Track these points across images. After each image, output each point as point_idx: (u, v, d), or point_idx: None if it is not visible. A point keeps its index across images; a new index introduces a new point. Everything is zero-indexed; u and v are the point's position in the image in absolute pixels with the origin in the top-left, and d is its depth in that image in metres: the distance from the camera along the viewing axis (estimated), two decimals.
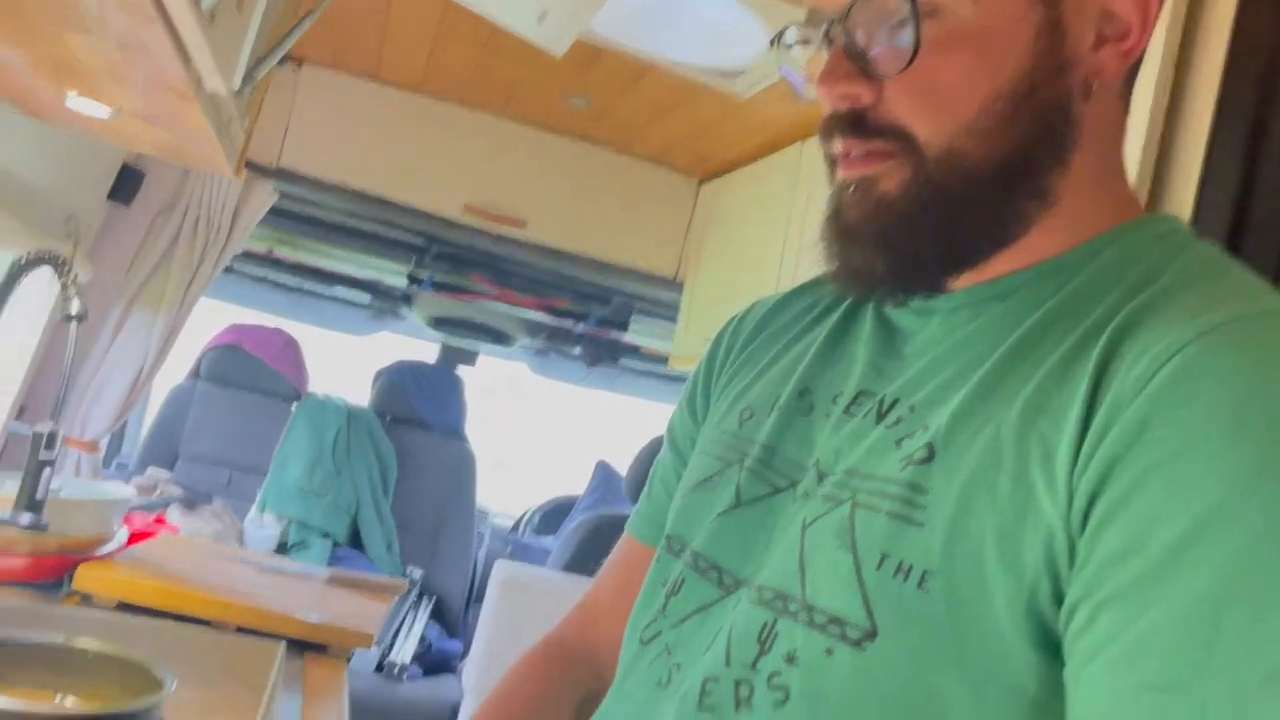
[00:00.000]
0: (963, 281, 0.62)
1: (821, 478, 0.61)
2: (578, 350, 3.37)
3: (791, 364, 0.71)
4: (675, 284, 2.43)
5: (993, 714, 0.50)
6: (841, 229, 0.63)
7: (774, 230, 1.99)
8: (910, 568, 0.52)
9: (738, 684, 0.57)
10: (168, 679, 0.85)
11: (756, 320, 0.78)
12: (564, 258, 2.38)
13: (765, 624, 0.57)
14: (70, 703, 0.85)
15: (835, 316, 0.72)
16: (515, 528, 3.76)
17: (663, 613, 0.66)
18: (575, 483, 3.77)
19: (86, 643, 0.89)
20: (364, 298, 3.23)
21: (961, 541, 0.52)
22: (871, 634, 0.53)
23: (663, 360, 3.16)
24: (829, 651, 0.54)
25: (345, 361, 3.80)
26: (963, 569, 0.51)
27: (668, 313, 2.58)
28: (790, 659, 0.55)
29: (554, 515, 3.67)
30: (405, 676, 2.75)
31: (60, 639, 0.89)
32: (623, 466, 3.59)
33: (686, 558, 0.67)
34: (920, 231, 0.60)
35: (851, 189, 0.62)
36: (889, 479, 0.56)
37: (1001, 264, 0.61)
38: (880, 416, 0.60)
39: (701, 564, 0.65)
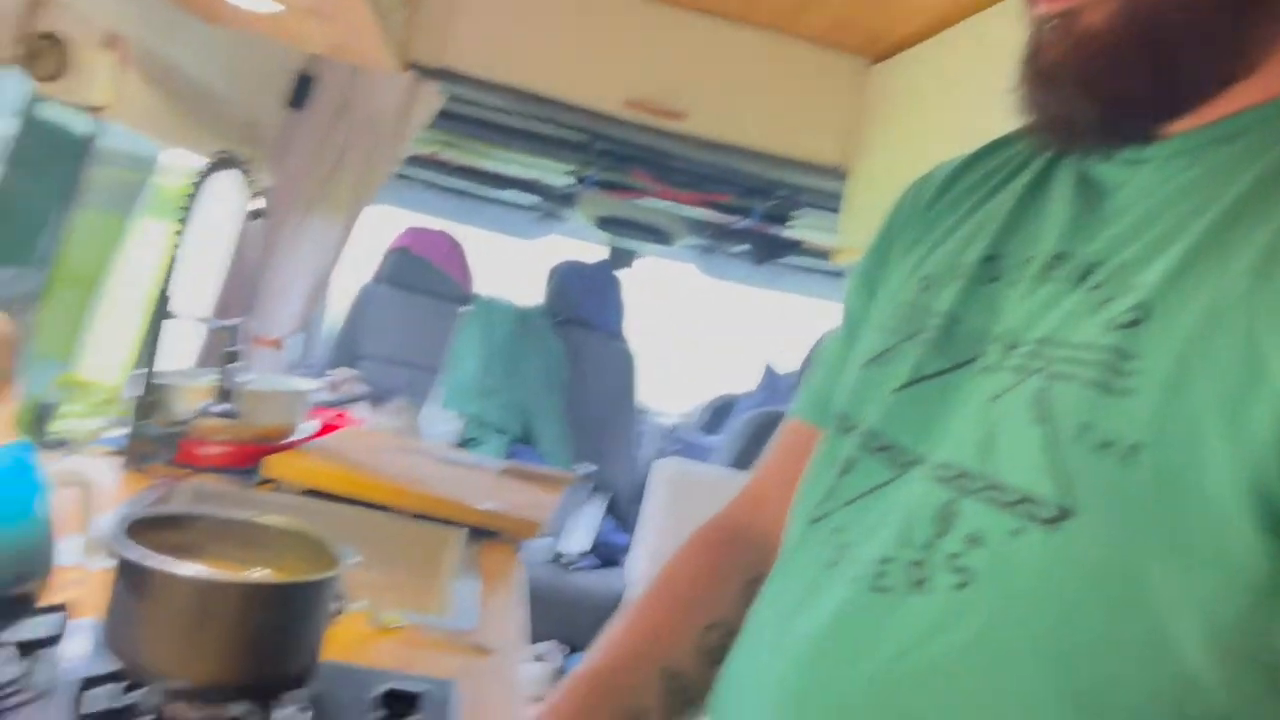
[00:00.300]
0: (1179, 125, 0.55)
1: (1010, 349, 0.55)
2: (742, 248, 3.31)
3: (977, 228, 0.65)
4: (840, 173, 2.32)
5: (1204, 598, 0.45)
6: (1039, 71, 0.56)
7: (950, 112, 1.85)
8: (1114, 440, 0.47)
9: (914, 565, 0.53)
10: (346, 554, 0.88)
11: (938, 184, 0.71)
12: (725, 150, 2.31)
13: (945, 503, 0.53)
14: (259, 574, 0.90)
15: (1028, 175, 0.64)
16: (679, 427, 3.79)
17: (832, 493, 0.62)
18: (739, 383, 3.76)
19: (273, 519, 0.93)
20: (529, 199, 3.26)
21: (1177, 411, 0.46)
22: (1066, 513, 0.48)
23: (827, 256, 3.06)
24: (1017, 532, 0.49)
25: (515, 266, 3.87)
26: (1177, 441, 0.46)
27: (833, 204, 2.48)
28: (973, 540, 0.51)
29: (718, 414, 3.68)
30: (578, 567, 2.85)
31: (249, 516, 0.94)
32: (786, 366, 3.55)
33: (858, 436, 0.63)
34: (1130, 69, 0.53)
35: (1051, 25, 0.54)
36: (1090, 346, 0.50)
37: (1227, 102, 0.53)
38: (1080, 279, 0.54)
39: (874, 443, 0.61)
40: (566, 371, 3.33)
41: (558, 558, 2.85)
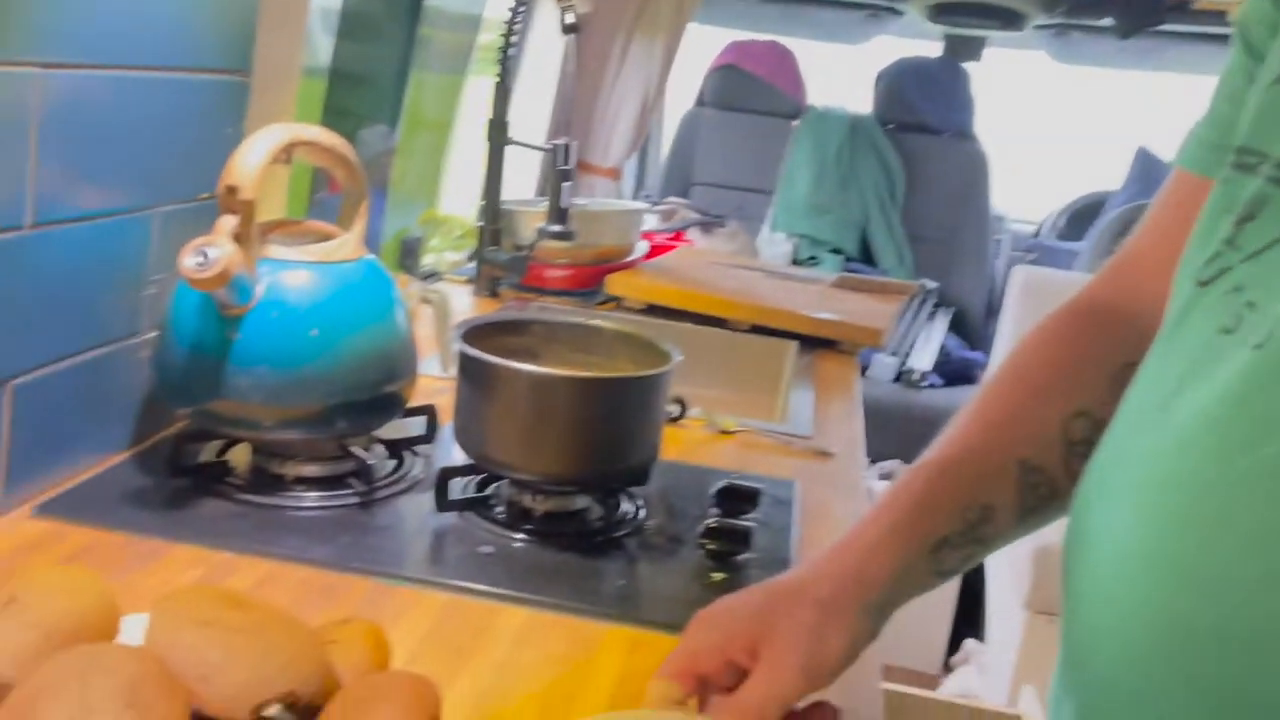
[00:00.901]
0: None
1: None
2: (1107, 20, 2.87)
3: None
4: None
5: None
6: None
7: None
8: None
9: None
10: (673, 353, 0.87)
11: None
12: None
13: None
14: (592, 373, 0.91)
15: None
16: (1038, 233, 3.48)
17: (1229, 246, 0.50)
18: (1106, 180, 3.36)
19: (602, 321, 0.95)
20: None
21: None
22: None
23: (1220, 15, 2.58)
24: None
25: (844, 73, 3.66)
26: None
27: None
28: None
29: (1082, 216, 3.33)
30: (924, 384, 2.74)
31: (581, 319, 0.96)
32: (1164, 153, 3.11)
33: (1267, 171, 0.49)
34: None
35: None
36: None
37: None
38: None
39: None
40: (905, 182, 3.14)
41: (904, 375, 2.77)
